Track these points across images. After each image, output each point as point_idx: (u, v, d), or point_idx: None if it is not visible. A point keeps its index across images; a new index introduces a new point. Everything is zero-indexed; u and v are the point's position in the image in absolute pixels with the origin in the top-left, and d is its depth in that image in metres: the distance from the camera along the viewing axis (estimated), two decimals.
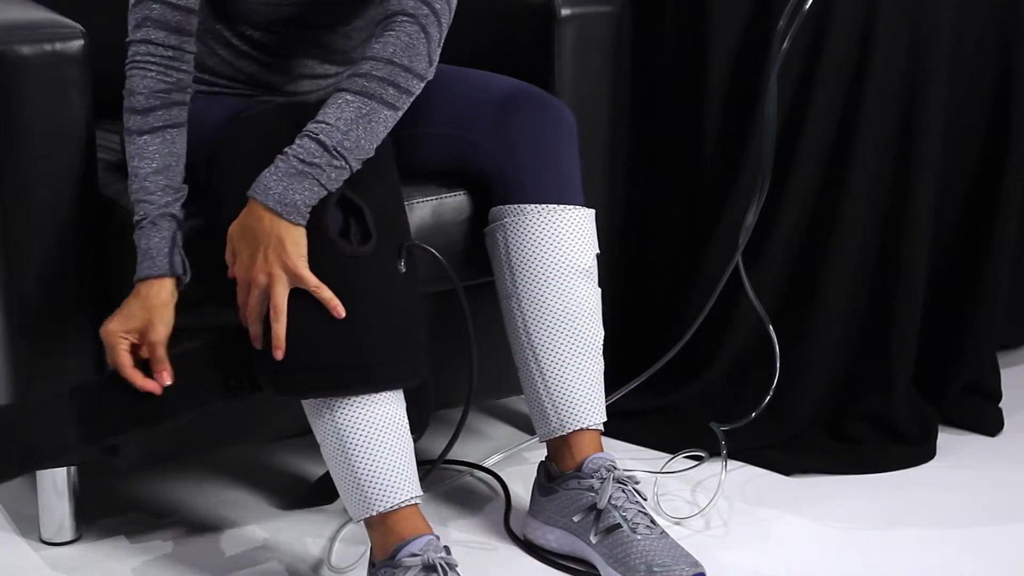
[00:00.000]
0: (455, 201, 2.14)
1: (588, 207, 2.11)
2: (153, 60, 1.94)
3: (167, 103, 1.94)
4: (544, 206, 2.07)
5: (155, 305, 1.89)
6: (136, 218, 1.91)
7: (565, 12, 2.26)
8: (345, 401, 1.89)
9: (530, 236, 2.07)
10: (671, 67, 2.52)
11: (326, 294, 1.86)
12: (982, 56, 2.53)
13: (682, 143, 2.53)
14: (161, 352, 1.89)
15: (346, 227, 1.90)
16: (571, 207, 2.08)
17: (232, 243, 1.89)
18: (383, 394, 1.91)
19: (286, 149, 1.88)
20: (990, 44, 2.54)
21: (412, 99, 1.94)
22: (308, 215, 1.87)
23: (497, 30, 2.37)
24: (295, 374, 1.87)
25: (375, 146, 1.91)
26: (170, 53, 1.94)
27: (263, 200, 1.86)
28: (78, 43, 1.95)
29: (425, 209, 2.11)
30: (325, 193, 1.88)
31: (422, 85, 1.95)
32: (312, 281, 1.86)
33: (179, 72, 1.95)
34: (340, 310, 1.86)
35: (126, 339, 1.89)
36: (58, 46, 1.94)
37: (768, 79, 2.25)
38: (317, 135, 1.87)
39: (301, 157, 1.87)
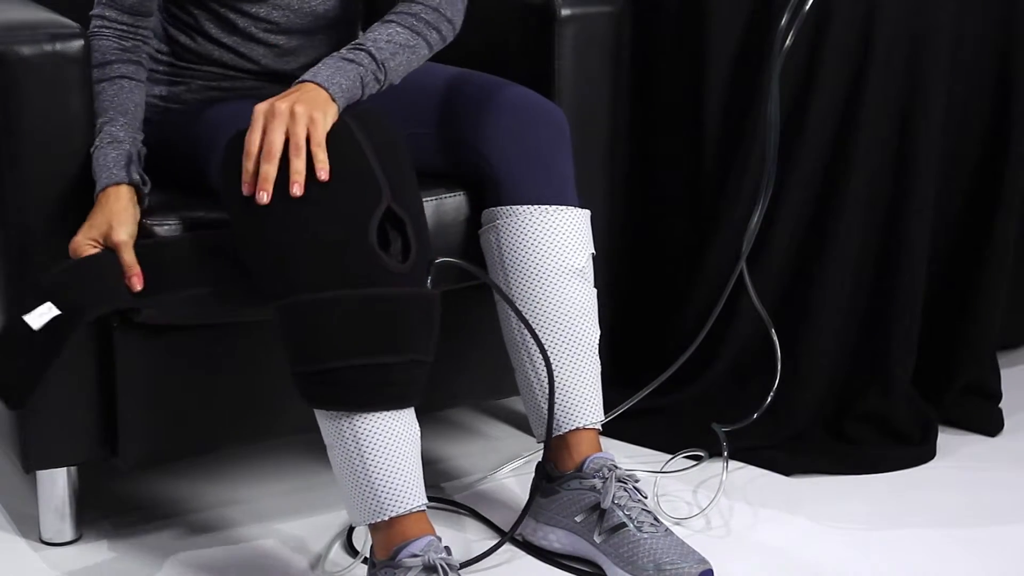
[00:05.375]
0: (455, 202, 2.14)
1: (583, 207, 2.11)
2: (108, 29, 2.05)
3: (122, 59, 2.03)
4: (536, 207, 2.07)
5: (115, 209, 1.92)
6: (95, 142, 1.96)
7: (565, 12, 2.26)
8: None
9: (522, 237, 2.07)
10: (671, 67, 2.52)
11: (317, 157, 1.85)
12: (982, 56, 2.53)
13: (682, 143, 2.53)
14: (128, 256, 1.92)
15: (384, 239, 1.88)
16: (563, 207, 2.08)
17: (257, 120, 1.87)
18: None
19: (334, 53, 1.96)
20: (990, 44, 2.54)
21: (439, 50, 2.06)
22: (344, 104, 1.91)
23: (497, 30, 2.37)
24: (318, 386, 1.86)
25: (402, 78, 2.02)
26: (123, 28, 2.05)
27: (310, 79, 1.91)
28: (78, 43, 1.95)
29: (426, 210, 2.11)
30: (359, 96, 1.93)
31: (451, 40, 2.07)
32: (321, 139, 1.85)
33: (134, 40, 2.06)
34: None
35: (91, 245, 1.92)
36: (58, 46, 1.94)
37: (770, 80, 2.25)
38: (366, 46, 1.96)
39: (349, 58, 1.95)
